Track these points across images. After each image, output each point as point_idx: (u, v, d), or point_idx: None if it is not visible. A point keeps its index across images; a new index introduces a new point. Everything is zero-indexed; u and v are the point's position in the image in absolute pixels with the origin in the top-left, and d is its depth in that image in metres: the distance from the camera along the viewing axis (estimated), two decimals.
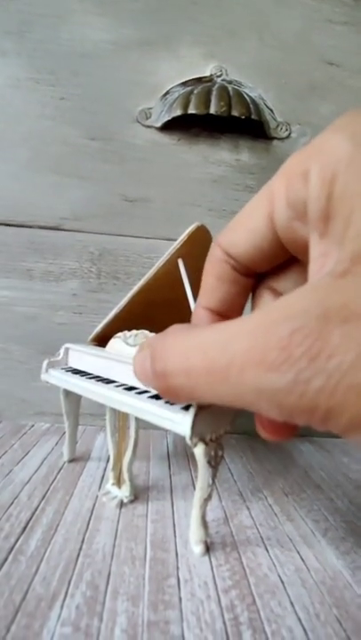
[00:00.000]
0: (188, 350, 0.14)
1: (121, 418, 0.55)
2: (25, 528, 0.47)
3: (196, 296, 0.52)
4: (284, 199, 0.15)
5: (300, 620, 0.36)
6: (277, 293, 0.20)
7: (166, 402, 0.42)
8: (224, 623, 0.35)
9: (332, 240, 0.13)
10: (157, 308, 0.62)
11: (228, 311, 0.21)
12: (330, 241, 0.13)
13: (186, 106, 0.79)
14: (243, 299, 0.21)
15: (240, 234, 0.17)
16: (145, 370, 0.17)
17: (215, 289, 0.20)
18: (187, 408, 0.39)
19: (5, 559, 0.41)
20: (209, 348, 0.13)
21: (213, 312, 0.21)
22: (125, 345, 0.54)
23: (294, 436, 0.17)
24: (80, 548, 0.44)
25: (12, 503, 0.52)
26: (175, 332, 0.17)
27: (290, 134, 0.88)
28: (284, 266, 0.20)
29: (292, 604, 0.38)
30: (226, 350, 0.12)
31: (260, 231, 0.16)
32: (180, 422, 0.38)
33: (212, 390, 0.13)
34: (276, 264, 0.19)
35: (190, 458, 0.71)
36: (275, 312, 0.12)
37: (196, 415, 0.37)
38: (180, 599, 0.37)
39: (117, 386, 0.48)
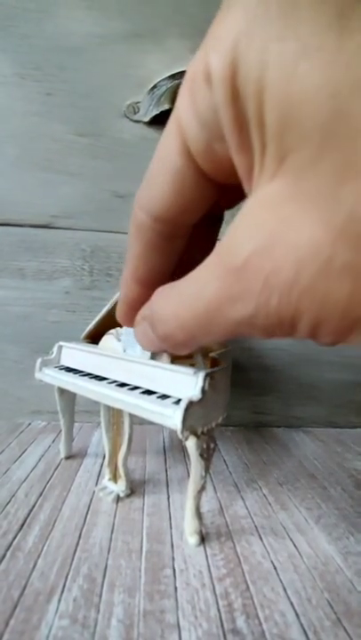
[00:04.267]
0: (177, 308, 0.15)
1: (115, 414, 0.56)
2: (22, 525, 0.47)
3: None
4: (193, 118, 0.11)
5: (292, 604, 0.37)
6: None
7: (158, 397, 0.43)
8: (218, 610, 0.36)
9: (251, 146, 0.10)
10: None
11: (161, 280, 0.18)
12: (248, 149, 0.11)
13: (174, 99, 0.78)
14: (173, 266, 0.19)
15: (158, 184, 0.14)
16: (150, 339, 0.18)
17: (142, 257, 0.18)
18: (178, 402, 0.40)
19: (3, 556, 0.42)
20: (189, 300, 0.15)
21: (144, 284, 0.19)
22: (118, 341, 0.55)
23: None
24: (77, 543, 0.44)
25: (10, 501, 0.52)
26: (161, 295, 0.17)
27: None
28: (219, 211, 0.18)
29: (284, 589, 0.39)
30: (201, 298, 0.14)
31: (178, 172, 0.13)
32: (172, 416, 0.38)
33: (205, 333, 0.15)
34: (211, 210, 0.16)
35: (186, 451, 0.72)
36: (222, 251, 0.13)
37: (186, 409, 0.37)
38: (176, 589, 0.38)
39: (110, 383, 0.49)
